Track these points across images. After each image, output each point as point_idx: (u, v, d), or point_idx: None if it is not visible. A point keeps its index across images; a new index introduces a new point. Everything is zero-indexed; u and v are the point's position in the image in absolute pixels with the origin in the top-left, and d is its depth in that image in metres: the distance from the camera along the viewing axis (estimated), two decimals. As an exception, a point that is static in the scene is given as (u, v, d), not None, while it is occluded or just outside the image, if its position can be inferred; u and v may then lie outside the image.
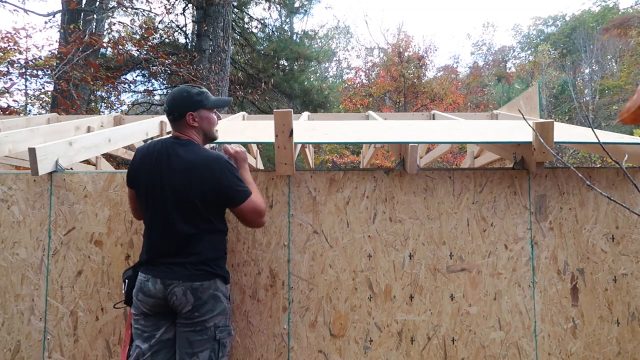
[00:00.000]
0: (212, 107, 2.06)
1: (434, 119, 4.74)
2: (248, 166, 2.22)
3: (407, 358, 2.43)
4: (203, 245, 1.91)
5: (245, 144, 4.71)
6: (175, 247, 1.90)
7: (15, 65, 8.55)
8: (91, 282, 2.48)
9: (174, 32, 11.88)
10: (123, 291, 2.04)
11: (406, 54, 18.08)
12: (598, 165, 8.21)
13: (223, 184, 1.90)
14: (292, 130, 2.33)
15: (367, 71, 21.61)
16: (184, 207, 1.90)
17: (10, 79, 8.66)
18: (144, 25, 9.84)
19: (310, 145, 5.47)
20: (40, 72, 8.99)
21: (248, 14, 13.15)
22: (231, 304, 2.04)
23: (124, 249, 2.49)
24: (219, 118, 2.12)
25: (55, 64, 8.54)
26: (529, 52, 28.91)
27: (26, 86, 9.38)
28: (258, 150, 5.85)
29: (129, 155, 5.14)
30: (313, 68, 14.91)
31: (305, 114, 4.88)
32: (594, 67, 22.88)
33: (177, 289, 1.85)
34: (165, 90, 13.20)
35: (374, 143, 4.43)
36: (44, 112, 9.85)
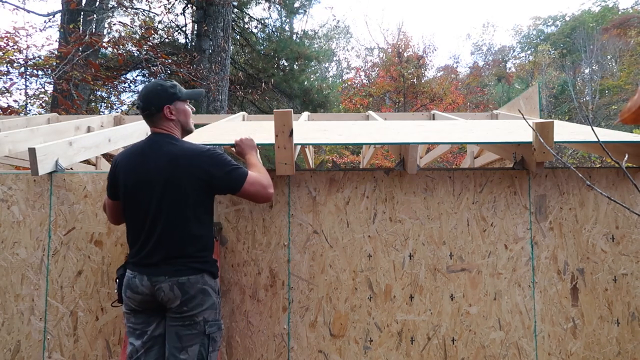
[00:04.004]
0: (186, 99, 2.08)
1: (434, 119, 4.74)
2: (256, 152, 2.26)
3: (407, 358, 2.43)
4: (187, 239, 1.90)
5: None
6: (159, 243, 1.88)
7: (15, 65, 8.55)
8: (91, 282, 2.48)
9: (174, 32, 11.88)
10: (115, 290, 2.04)
11: (405, 54, 18.08)
12: (598, 165, 8.21)
13: (214, 175, 1.90)
14: (292, 130, 2.33)
15: (367, 71, 21.61)
16: (168, 202, 1.88)
17: (10, 79, 8.67)
18: (144, 25, 9.83)
19: (311, 145, 5.47)
20: (40, 72, 9.00)
21: (248, 14, 13.14)
22: (220, 298, 2.03)
23: (124, 249, 2.49)
24: (193, 111, 2.14)
25: (55, 64, 8.54)
26: (529, 52, 28.90)
27: (26, 86, 9.38)
28: (258, 150, 5.86)
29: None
30: (313, 68, 14.89)
31: (305, 114, 4.88)
32: (593, 67, 22.85)
33: (163, 284, 1.84)
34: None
35: (381, 144, 4.43)
36: (43, 112, 9.85)
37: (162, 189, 1.88)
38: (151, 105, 1.98)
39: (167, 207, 1.88)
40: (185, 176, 1.88)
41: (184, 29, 11.77)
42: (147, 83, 2.07)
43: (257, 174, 2.01)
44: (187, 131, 2.11)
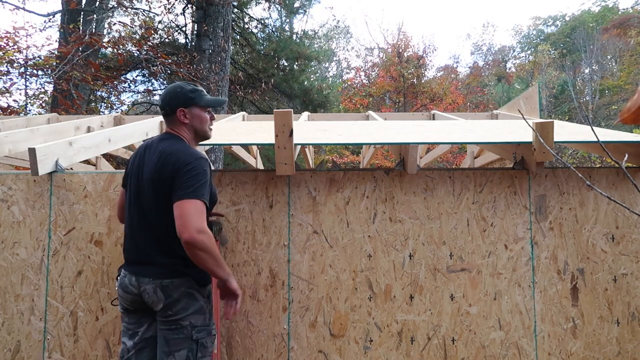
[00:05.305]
0: (205, 106, 2.04)
1: (434, 119, 4.74)
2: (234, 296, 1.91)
3: (407, 358, 2.43)
4: (172, 240, 1.79)
5: (245, 145, 4.72)
6: (146, 242, 1.85)
7: (15, 65, 8.55)
8: (91, 282, 2.48)
9: (174, 32, 11.88)
10: (116, 288, 2.03)
11: (405, 54, 18.08)
12: (598, 165, 8.22)
13: (182, 174, 1.78)
14: (292, 130, 2.33)
15: (367, 71, 21.60)
16: (155, 198, 1.84)
17: (10, 79, 8.67)
18: (144, 25, 9.83)
19: (311, 145, 5.47)
20: (40, 72, 9.00)
21: (248, 14, 13.14)
22: (211, 303, 1.95)
23: (124, 249, 2.49)
24: (212, 118, 2.10)
25: (55, 64, 8.54)
26: (529, 52, 28.89)
27: (26, 86, 9.39)
28: (258, 150, 5.86)
29: (129, 155, 5.14)
30: (313, 68, 14.88)
31: (305, 114, 4.88)
32: (594, 67, 22.85)
33: (147, 286, 1.81)
34: (165, 90, 13.15)
35: (381, 144, 4.43)
36: (43, 112, 9.86)
37: (150, 186, 1.85)
38: (167, 106, 1.98)
39: (153, 204, 1.85)
40: (167, 171, 1.81)
41: (184, 29, 11.77)
42: (171, 84, 2.06)
43: (201, 219, 1.73)
44: (201, 137, 2.07)
